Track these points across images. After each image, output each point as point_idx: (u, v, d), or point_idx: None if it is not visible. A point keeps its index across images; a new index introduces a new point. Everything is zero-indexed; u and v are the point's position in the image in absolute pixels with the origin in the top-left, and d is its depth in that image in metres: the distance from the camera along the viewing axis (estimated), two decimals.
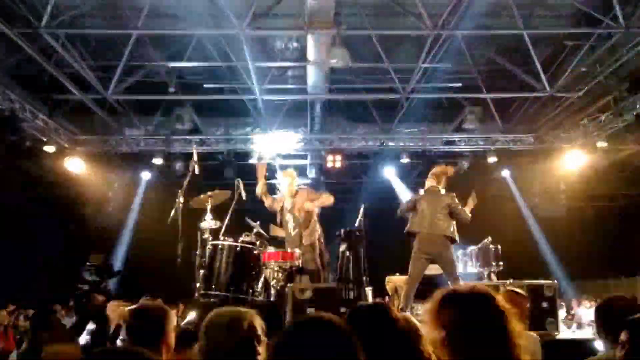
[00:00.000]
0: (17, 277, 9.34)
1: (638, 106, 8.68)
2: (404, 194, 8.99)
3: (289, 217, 7.33)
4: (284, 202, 7.42)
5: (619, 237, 9.19)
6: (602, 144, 9.40)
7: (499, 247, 8.07)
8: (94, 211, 10.88)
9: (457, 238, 6.80)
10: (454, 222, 6.78)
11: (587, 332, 8.11)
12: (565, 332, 7.19)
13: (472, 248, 8.15)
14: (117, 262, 10.45)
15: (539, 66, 8.28)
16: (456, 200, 6.73)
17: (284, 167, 8.14)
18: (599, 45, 8.00)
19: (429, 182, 6.99)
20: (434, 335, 1.80)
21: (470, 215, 6.84)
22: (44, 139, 9.76)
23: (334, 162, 10.48)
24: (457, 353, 1.72)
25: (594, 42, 8.07)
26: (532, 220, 10.52)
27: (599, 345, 4.74)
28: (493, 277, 7.69)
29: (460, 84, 9.22)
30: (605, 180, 9.39)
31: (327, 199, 7.23)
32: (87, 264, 7.50)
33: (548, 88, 8.52)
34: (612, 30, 7.51)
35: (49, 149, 9.79)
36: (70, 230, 10.07)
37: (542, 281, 6.41)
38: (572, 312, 9.72)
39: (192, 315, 6.87)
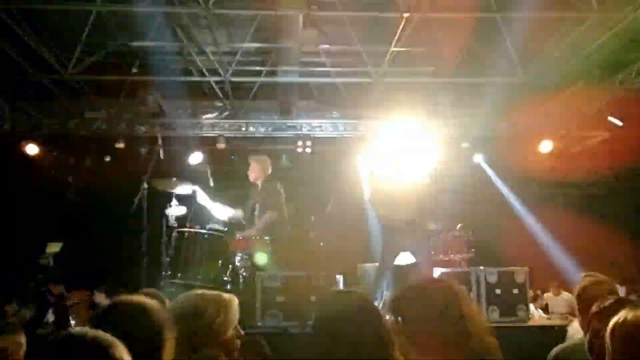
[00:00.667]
0: None
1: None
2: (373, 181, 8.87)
3: (256, 206, 7.18)
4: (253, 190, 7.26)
5: (587, 225, 9.24)
6: (574, 131, 9.42)
7: (471, 233, 8.08)
8: (52, 198, 10.43)
9: (429, 225, 6.75)
10: (426, 208, 6.74)
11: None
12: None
13: (444, 234, 8.14)
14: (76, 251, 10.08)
15: (512, 51, 8.20)
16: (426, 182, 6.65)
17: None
18: (572, 30, 7.94)
19: (396, 167, 6.92)
20: (398, 335, 1.85)
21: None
22: None
23: (304, 147, 10.28)
24: (421, 349, 1.80)
25: (568, 27, 8.01)
26: (507, 207, 10.53)
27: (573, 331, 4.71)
28: (464, 264, 7.69)
29: (433, 68, 9.10)
30: (576, 167, 9.43)
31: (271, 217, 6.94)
32: (45, 252, 7.22)
33: (522, 73, 8.46)
34: (585, 14, 7.45)
35: (3, 131, 9.33)
36: (27, 218, 9.61)
37: (512, 268, 6.41)
38: (539, 299, 9.81)
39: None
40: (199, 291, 2.30)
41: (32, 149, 9.85)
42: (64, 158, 10.53)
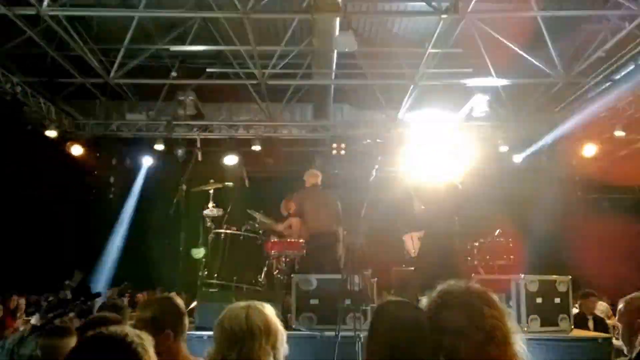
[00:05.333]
0: (11, 265, 9.22)
1: None
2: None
3: None
4: None
5: (636, 230, 8.82)
6: (619, 133, 9.05)
7: (510, 239, 7.86)
8: (95, 197, 10.74)
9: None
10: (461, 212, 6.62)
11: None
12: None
13: (481, 241, 7.95)
14: (115, 252, 10.36)
15: (553, 52, 7.96)
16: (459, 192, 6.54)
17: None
18: (618, 29, 7.66)
19: (433, 173, 6.82)
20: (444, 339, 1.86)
21: None
22: (46, 124, 9.61)
23: (339, 150, 10.23)
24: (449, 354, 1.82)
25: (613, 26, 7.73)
26: (546, 212, 10.18)
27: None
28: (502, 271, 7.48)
29: (471, 70, 8.93)
30: (622, 171, 9.03)
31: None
32: (66, 282, 7.32)
33: (563, 74, 8.20)
34: (632, 13, 7.18)
35: (51, 133, 9.64)
36: (70, 217, 9.92)
37: (554, 276, 6.18)
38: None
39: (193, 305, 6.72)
40: (244, 303, 2.32)
41: (76, 150, 10.16)
42: (106, 159, 10.80)
